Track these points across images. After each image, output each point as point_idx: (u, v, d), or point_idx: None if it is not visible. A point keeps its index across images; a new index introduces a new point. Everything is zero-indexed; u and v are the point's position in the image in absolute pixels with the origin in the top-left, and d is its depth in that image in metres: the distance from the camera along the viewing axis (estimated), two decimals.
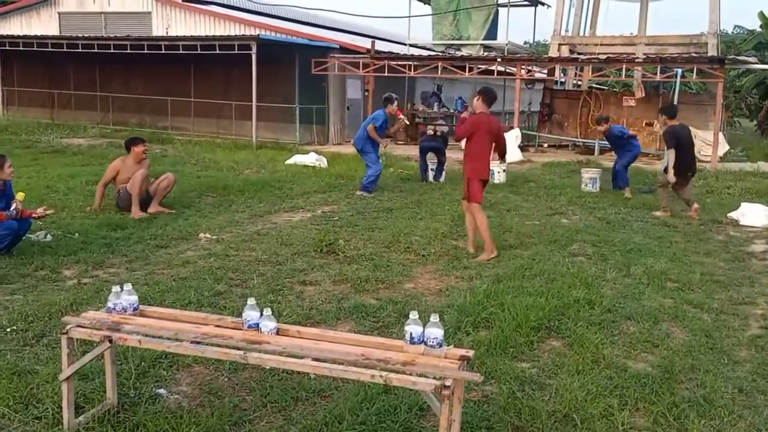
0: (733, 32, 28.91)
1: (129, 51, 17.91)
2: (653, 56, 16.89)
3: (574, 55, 18.96)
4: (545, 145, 18.37)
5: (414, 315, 2.81)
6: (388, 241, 6.73)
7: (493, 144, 6.55)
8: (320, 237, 6.51)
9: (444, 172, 11.46)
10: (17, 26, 21.93)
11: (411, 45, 20.67)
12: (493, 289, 5.11)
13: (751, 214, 8.43)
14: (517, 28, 42.66)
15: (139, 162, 7.88)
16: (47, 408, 3.06)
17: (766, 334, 4.50)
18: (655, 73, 15.74)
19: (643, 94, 16.92)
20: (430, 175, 11.42)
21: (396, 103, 10.12)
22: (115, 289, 3.07)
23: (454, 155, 11.79)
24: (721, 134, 15.65)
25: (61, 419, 2.95)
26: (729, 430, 3.18)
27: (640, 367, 3.88)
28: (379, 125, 9.91)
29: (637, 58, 16.73)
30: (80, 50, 18.60)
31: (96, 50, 18.40)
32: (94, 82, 20.54)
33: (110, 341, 2.83)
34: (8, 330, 4.09)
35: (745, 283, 5.70)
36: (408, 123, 11.73)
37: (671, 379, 3.69)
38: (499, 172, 11.08)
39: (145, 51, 17.61)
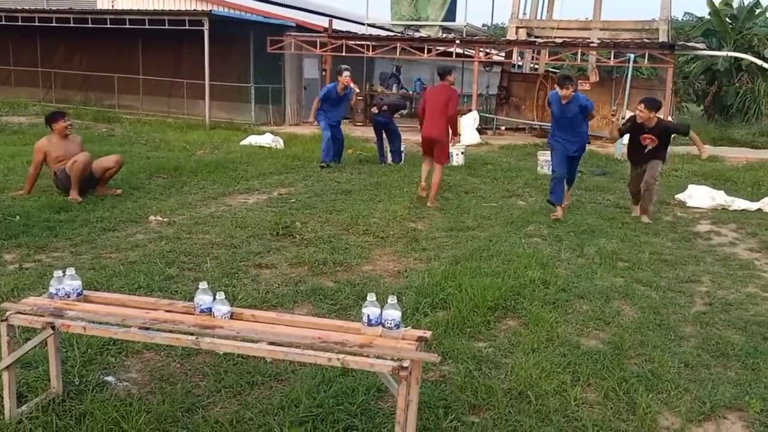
0: (683, 19, 29.54)
1: (72, 25, 17.18)
2: (607, 41, 17.14)
3: (532, 39, 19.09)
4: (503, 128, 18.52)
5: (371, 297, 2.77)
6: (346, 223, 6.67)
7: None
8: (276, 219, 6.40)
9: (402, 153, 11.40)
10: None
11: (369, 25, 20.44)
12: (451, 271, 5.12)
13: (697, 196, 8.68)
14: (475, 10, 42.88)
15: (65, 137, 7.47)
16: None
17: (710, 310, 4.66)
18: (609, 58, 16.03)
19: (598, 79, 17.20)
20: (389, 157, 11.36)
21: (347, 73, 10.34)
22: (57, 273, 2.93)
23: (413, 137, 11.77)
24: (670, 118, 16.04)
25: (2, 409, 2.82)
26: (675, 403, 3.27)
27: (592, 344, 3.96)
28: (323, 95, 10.54)
29: (592, 42, 16.97)
30: (20, 23, 17.77)
31: (37, 23, 17.61)
32: (35, 57, 19.62)
33: (53, 328, 2.70)
34: None
35: (691, 262, 5.87)
36: (358, 91, 12.38)
37: (621, 354, 3.78)
38: (457, 155, 11.09)
39: (90, 25, 16.93)
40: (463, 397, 3.23)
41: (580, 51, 16.56)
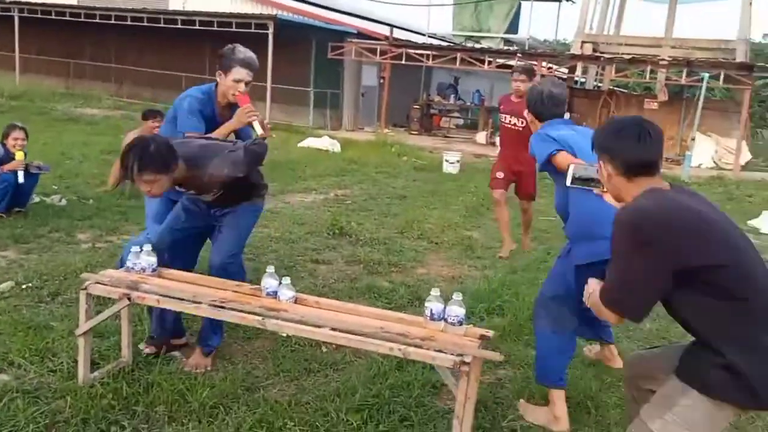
0: (762, 41, 28.25)
1: (146, 24, 17.87)
2: (680, 59, 16.47)
3: (597, 54, 18.67)
4: None
5: (435, 291, 2.77)
6: (401, 227, 6.70)
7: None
8: (333, 219, 6.48)
9: None
10: None
11: (430, 35, 20.55)
12: (508, 279, 5.07)
13: None
14: (539, 24, 42.38)
15: None
16: (62, 362, 3.06)
17: None
18: (680, 77, 15.42)
19: (666, 98, 16.43)
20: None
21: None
22: (135, 249, 3.05)
23: (469, 148, 11.73)
24: (744, 143, 15.45)
25: (76, 373, 2.95)
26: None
27: None
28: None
29: (663, 59, 16.42)
30: (97, 21, 18.58)
31: (113, 21, 18.38)
32: (110, 53, 20.52)
33: (128, 299, 2.81)
34: (24, 287, 4.09)
35: None
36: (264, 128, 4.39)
37: None
38: None
39: (162, 24, 17.57)
40: (518, 401, 3.19)
41: (649, 68, 16.03)
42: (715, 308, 1.86)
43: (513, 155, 5.85)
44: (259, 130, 3.39)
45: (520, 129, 5.68)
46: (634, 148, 2.02)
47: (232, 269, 3.17)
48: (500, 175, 6.05)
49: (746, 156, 15.76)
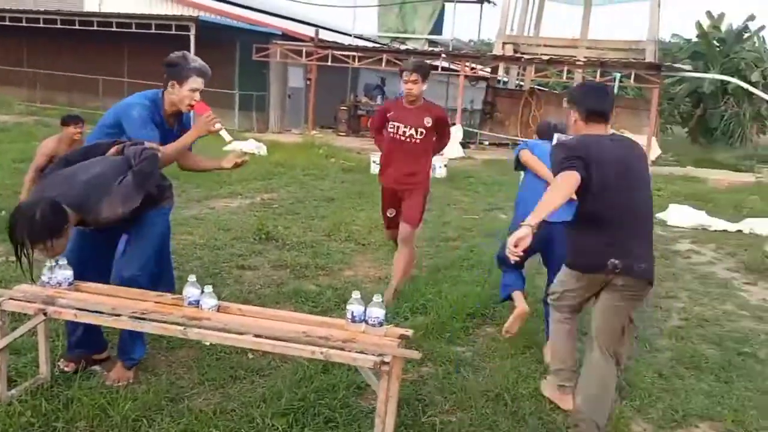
0: (670, 41, 29.89)
1: (59, 26, 17.13)
2: (594, 59, 17.38)
3: (518, 55, 19.34)
4: (486, 142, 18.75)
5: (356, 294, 2.86)
6: (328, 229, 6.76)
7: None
8: (259, 223, 6.46)
9: None
10: None
11: (356, 36, 20.67)
12: (432, 278, 5.22)
13: (678, 215, 8.87)
14: (462, 25, 43.45)
15: (70, 145, 7.37)
16: None
17: (687, 325, 4.79)
18: (595, 76, 16.24)
19: None
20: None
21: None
22: (50, 263, 2.98)
23: None
24: (654, 139, 16.36)
25: None
26: (648, 411, 3.39)
27: None
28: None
29: (579, 60, 17.22)
30: (7, 23, 17.66)
31: (24, 24, 17.51)
32: (21, 56, 19.52)
33: (45, 314, 2.75)
34: None
35: (670, 279, 6.02)
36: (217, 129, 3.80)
37: None
38: (440, 167, 11.26)
39: (77, 27, 16.89)
40: (441, 397, 3.32)
41: (566, 68, 16.79)
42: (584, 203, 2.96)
43: (402, 172, 4.63)
44: (227, 137, 3.40)
45: (418, 141, 4.56)
46: (594, 102, 3.08)
47: (142, 281, 3.11)
48: (391, 213, 4.80)
49: (656, 151, 16.73)
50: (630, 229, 2.95)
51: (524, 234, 2.66)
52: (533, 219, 2.70)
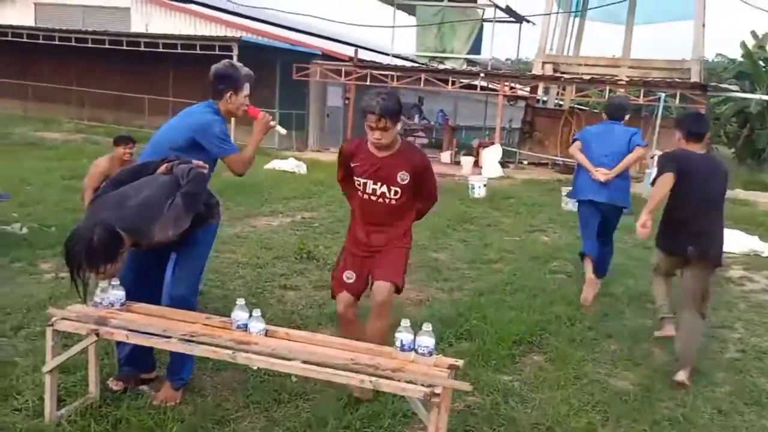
0: (714, 60, 29.18)
1: (107, 46, 17.67)
2: (637, 79, 17.06)
3: (558, 74, 19.14)
4: (525, 162, 18.55)
5: (405, 323, 2.81)
6: None
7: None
8: (300, 242, 6.48)
9: None
10: None
11: (394, 56, 20.76)
12: (475, 302, 5.13)
13: (729, 241, 8.55)
14: (501, 44, 43.35)
15: (121, 165, 7.46)
16: (27, 400, 3.00)
17: (744, 357, 4.59)
18: (638, 96, 15.93)
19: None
20: None
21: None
22: (103, 284, 3.01)
23: (434, 168, 11.81)
24: None
25: (43, 411, 2.89)
26: None
27: (621, 384, 3.92)
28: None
29: (621, 80, 16.92)
30: (57, 42, 18.29)
31: (73, 43, 18.11)
32: (70, 75, 20.16)
33: (97, 335, 2.77)
34: None
35: (723, 307, 5.78)
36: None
37: (652, 397, 3.74)
38: (479, 187, 11.16)
39: (124, 47, 17.39)
40: (489, 428, 3.23)
41: (608, 88, 16.50)
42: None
43: (374, 237, 3.53)
44: (282, 131, 3.92)
45: (393, 201, 3.41)
46: (692, 125, 4.26)
47: (191, 299, 3.21)
48: (350, 277, 3.57)
49: None
50: (705, 225, 4.04)
51: (647, 218, 4.05)
52: (647, 209, 4.06)
